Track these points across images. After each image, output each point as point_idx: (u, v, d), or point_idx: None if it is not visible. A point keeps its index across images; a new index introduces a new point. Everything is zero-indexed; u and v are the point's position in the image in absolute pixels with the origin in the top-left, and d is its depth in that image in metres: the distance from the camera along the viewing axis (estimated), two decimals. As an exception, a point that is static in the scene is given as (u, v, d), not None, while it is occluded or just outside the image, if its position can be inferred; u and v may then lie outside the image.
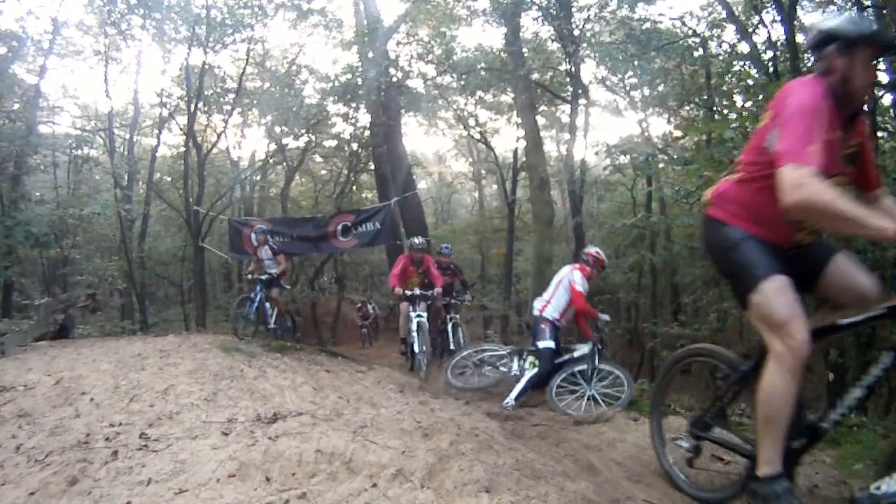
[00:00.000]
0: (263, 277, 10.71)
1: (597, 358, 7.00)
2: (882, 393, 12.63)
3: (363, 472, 3.64)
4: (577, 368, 7.05)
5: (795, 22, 12.23)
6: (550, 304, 7.26)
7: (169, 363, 6.67)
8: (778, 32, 12.82)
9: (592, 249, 7.68)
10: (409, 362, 9.75)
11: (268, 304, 10.87)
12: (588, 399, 6.88)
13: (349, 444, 4.06)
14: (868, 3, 11.42)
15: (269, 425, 4.55)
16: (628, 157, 18.65)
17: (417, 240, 10.39)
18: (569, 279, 7.21)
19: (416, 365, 9.17)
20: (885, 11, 9.98)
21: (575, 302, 7.10)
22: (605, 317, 7.31)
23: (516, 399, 6.71)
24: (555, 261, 17.19)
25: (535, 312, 7.38)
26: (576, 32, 15.91)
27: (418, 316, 9.31)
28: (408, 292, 9.52)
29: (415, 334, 9.20)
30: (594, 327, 7.36)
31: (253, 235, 11.94)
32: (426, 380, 8.50)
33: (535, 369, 6.93)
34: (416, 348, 9.16)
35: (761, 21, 14.00)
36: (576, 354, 7.16)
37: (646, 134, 21.52)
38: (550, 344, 7.02)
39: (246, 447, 3.93)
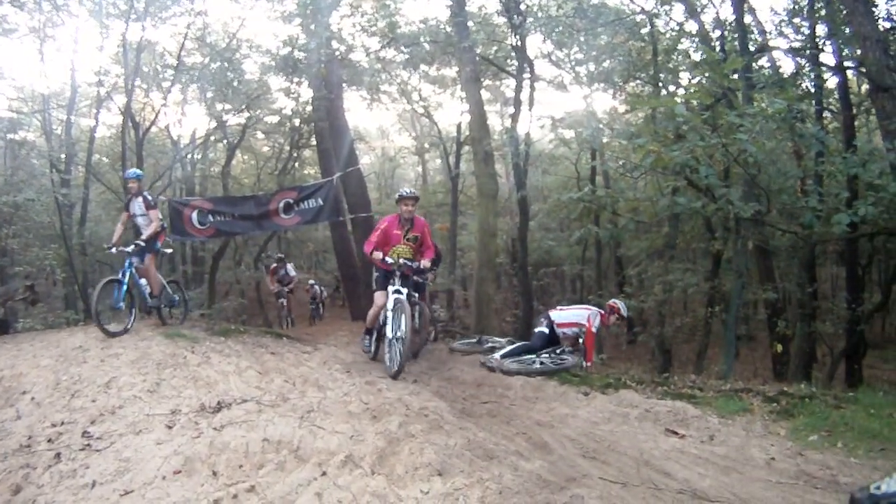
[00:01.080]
0: (129, 248, 8.25)
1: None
2: (825, 361, 13.16)
3: (312, 460, 3.64)
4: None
5: (744, 3, 12.41)
6: (563, 312, 8.77)
7: (111, 354, 6.49)
8: (726, 12, 12.98)
9: (618, 304, 8.85)
10: (372, 349, 8.11)
11: (143, 282, 8.63)
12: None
13: (296, 431, 4.05)
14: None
15: (214, 415, 4.50)
16: (574, 131, 18.82)
17: (407, 189, 7.92)
18: (592, 319, 8.33)
19: (390, 356, 7.08)
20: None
21: (587, 340, 8.26)
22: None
23: (501, 357, 8.01)
24: (499, 234, 17.27)
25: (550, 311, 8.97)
26: (522, 6, 15.86)
27: (396, 292, 7.30)
28: (389, 260, 7.48)
29: (389, 313, 7.22)
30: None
31: (132, 183, 9.05)
32: (396, 376, 6.70)
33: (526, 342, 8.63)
34: (388, 332, 7.13)
35: (710, 0, 14.20)
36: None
37: (591, 109, 21.69)
38: (545, 330, 8.51)
39: (191, 440, 3.90)
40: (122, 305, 8.05)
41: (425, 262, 7.70)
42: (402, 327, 6.86)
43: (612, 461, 4.20)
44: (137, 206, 8.80)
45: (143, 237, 8.41)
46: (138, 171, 9.53)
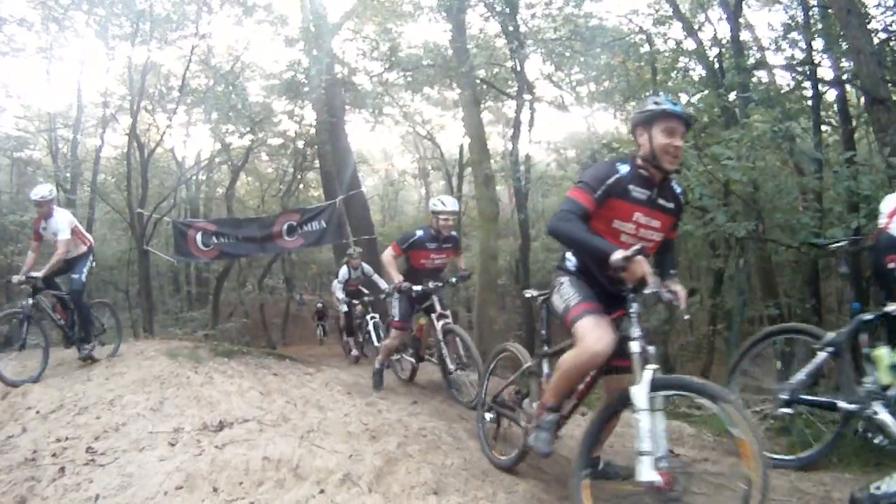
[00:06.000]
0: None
1: None
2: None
3: (310, 479, 3.69)
4: None
5: (741, 20, 12.55)
6: None
7: (115, 372, 6.59)
8: (723, 30, 13.10)
9: None
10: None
11: None
12: None
13: (296, 450, 4.10)
14: (814, 2, 11.79)
15: (216, 433, 4.56)
16: (574, 152, 18.88)
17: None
18: None
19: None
20: (829, 10, 10.34)
21: None
22: None
23: None
24: (502, 256, 17.25)
25: None
26: (522, 29, 16.01)
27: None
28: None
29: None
30: None
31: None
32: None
33: None
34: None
35: (707, 18, 14.33)
36: None
37: (592, 129, 21.78)
38: None
39: (192, 457, 3.96)
40: None
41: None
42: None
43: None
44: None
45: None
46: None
